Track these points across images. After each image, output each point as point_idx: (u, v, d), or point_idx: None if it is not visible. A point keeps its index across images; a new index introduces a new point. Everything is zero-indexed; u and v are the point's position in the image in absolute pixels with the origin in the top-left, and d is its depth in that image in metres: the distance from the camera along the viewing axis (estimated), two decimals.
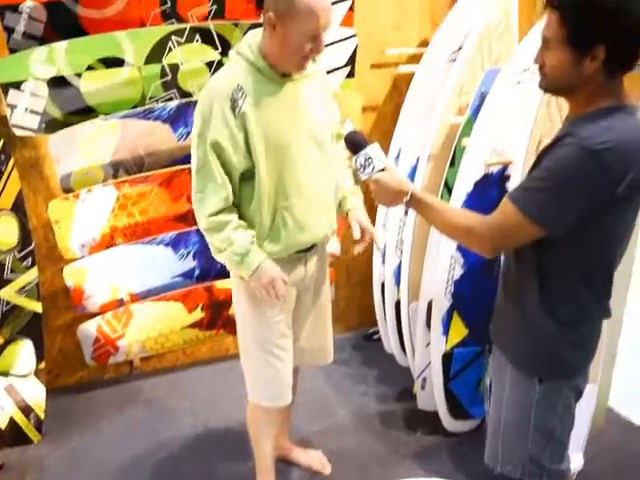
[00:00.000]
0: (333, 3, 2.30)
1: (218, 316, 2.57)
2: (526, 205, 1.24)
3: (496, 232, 1.30)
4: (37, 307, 2.23)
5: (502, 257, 1.51)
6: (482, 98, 2.11)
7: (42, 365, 2.27)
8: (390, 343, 2.65)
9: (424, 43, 2.65)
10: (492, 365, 1.60)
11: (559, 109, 2.01)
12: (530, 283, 1.35)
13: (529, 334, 1.39)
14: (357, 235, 1.75)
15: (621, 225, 1.29)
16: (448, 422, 2.33)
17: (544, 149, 1.29)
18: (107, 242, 2.33)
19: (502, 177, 2.09)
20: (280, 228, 1.65)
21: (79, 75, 2.07)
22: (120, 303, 2.45)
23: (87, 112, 2.14)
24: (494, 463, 1.54)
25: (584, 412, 2.11)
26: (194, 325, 2.57)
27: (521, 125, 2.02)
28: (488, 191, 2.08)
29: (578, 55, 1.19)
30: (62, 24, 2.01)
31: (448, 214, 1.40)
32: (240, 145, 1.56)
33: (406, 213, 2.36)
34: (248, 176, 1.61)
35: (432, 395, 2.30)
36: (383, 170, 1.43)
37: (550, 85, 1.28)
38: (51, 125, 2.13)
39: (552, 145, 1.26)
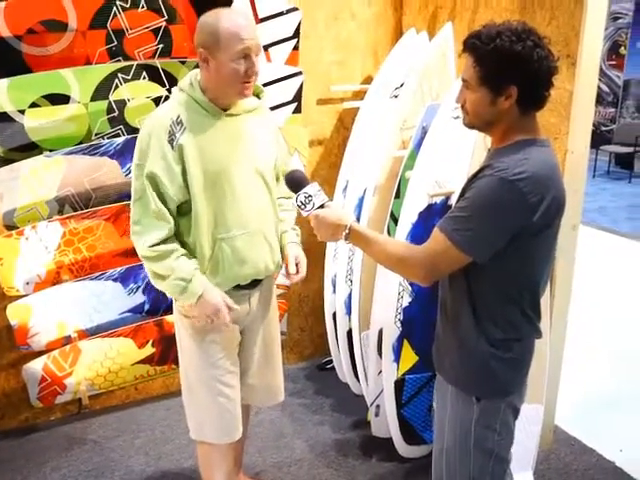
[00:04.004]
0: (279, 42, 2.38)
1: (169, 351, 2.53)
2: (451, 233, 1.32)
3: (427, 260, 1.36)
4: None
5: (440, 284, 1.57)
6: (424, 132, 2.20)
7: None
8: (344, 372, 2.68)
9: (368, 80, 2.76)
10: (436, 388, 1.66)
11: None
12: (463, 306, 1.42)
13: (465, 355, 1.46)
14: (293, 269, 1.80)
15: (542, 250, 1.38)
16: (402, 448, 2.35)
17: (468, 180, 1.39)
18: (53, 279, 2.28)
19: (445, 207, 2.16)
20: (219, 260, 1.66)
21: (22, 111, 2.05)
22: (67, 340, 2.38)
23: (31, 148, 2.12)
24: None
25: (532, 432, 2.18)
26: (145, 361, 2.52)
27: (461, 157, 2.12)
28: (432, 221, 2.14)
29: (493, 94, 1.30)
30: (4, 61, 1.99)
31: (384, 246, 1.45)
32: (177, 177, 1.57)
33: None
34: (186, 208, 1.62)
35: (386, 422, 2.32)
36: (322, 207, 1.50)
37: (471, 121, 1.38)
38: None
39: (475, 176, 1.35)
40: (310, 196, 1.49)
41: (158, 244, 1.59)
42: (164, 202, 1.58)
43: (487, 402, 1.45)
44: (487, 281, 1.38)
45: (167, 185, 1.56)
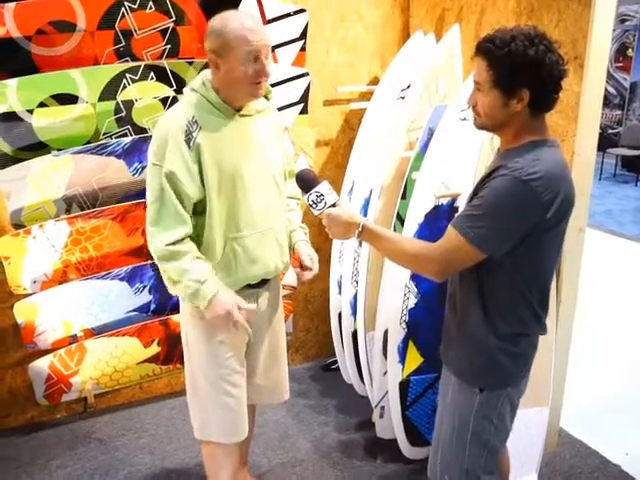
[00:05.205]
0: (286, 43, 2.39)
1: (175, 350, 2.54)
2: (465, 230, 1.35)
3: (441, 256, 1.39)
4: None
5: (449, 280, 1.59)
6: (430, 133, 2.20)
7: None
8: (348, 373, 2.67)
9: (375, 81, 2.76)
10: (440, 382, 1.68)
11: None
12: (473, 301, 1.45)
13: (473, 348, 1.49)
14: (309, 263, 1.80)
15: (552, 247, 1.41)
16: (407, 449, 2.35)
17: (481, 180, 1.42)
18: (60, 277, 2.29)
19: (451, 209, 2.16)
20: (231, 259, 1.66)
21: (31, 111, 2.07)
22: (73, 339, 2.40)
23: (39, 148, 2.13)
24: (434, 476, 1.62)
25: (537, 434, 2.17)
26: (150, 360, 2.54)
27: (468, 159, 2.11)
28: (438, 222, 2.15)
29: (506, 97, 1.33)
30: (14, 61, 2.00)
31: (397, 243, 1.48)
32: (195, 176, 1.58)
33: (360, 245, 2.41)
34: (201, 208, 1.62)
35: (390, 423, 2.32)
36: (334, 205, 1.52)
37: (483, 123, 1.41)
38: (1, 160, 2.10)
39: (487, 176, 1.38)
40: (322, 195, 1.50)
41: (174, 244, 1.58)
42: (181, 201, 1.58)
43: (489, 393, 1.49)
44: (498, 277, 1.40)
45: (186, 184, 1.56)
